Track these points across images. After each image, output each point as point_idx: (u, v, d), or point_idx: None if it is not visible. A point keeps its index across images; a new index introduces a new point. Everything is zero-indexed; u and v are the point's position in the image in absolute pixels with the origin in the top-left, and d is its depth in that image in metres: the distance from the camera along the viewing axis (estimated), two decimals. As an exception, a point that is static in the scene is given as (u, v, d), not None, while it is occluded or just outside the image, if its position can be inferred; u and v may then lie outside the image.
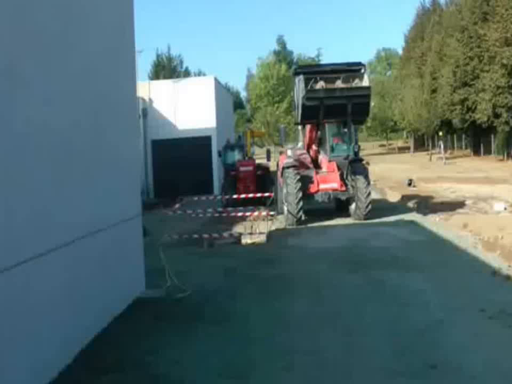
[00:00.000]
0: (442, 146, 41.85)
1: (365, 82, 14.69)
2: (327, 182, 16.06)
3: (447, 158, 40.85)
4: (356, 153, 16.14)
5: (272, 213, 15.03)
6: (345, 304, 7.71)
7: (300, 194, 15.19)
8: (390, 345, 6.02)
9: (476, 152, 43.35)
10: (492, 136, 38.80)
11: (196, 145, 27.55)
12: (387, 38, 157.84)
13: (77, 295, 6.09)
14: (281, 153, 19.37)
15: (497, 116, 33.87)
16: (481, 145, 41.67)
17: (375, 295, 8.10)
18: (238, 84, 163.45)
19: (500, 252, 10.30)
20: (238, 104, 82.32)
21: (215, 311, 7.66)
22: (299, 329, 6.76)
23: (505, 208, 15.06)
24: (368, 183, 15.52)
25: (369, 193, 15.39)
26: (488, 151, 40.33)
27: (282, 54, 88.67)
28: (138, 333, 6.78)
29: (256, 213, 15.33)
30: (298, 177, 15.39)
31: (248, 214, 15.41)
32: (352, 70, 15.15)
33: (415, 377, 5.22)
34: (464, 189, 20.76)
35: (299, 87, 14.75)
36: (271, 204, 16.45)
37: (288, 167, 15.90)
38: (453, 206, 16.75)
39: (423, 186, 23.59)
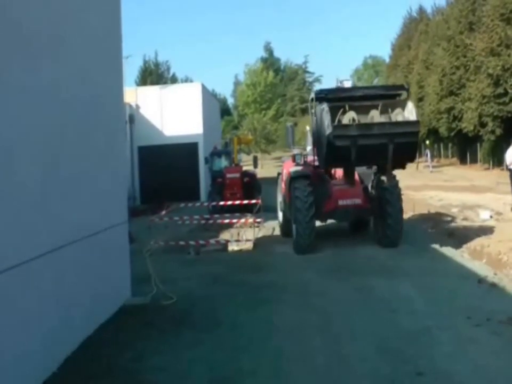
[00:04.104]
0: (429, 154, 42.09)
1: (410, 113, 11.31)
2: (348, 197, 12.60)
3: (433, 167, 41.10)
4: None
5: (259, 220, 14.78)
6: (333, 311, 7.70)
7: (312, 213, 12.01)
8: (378, 352, 6.02)
9: (462, 160, 43.61)
10: (478, 145, 39.09)
11: (183, 152, 27.49)
12: (374, 45, 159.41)
13: (62, 303, 6.02)
14: (283, 161, 16.41)
15: (483, 125, 34.12)
16: (468, 153, 41.96)
17: (364, 302, 8.11)
18: (225, 91, 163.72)
19: (486, 260, 10.38)
20: (225, 111, 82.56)
21: (202, 318, 7.62)
22: (287, 336, 6.73)
23: (491, 217, 15.14)
24: (400, 197, 12.39)
25: (401, 210, 12.30)
26: (474, 160, 40.58)
27: (270, 61, 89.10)
28: (124, 341, 6.71)
29: (243, 220, 15.25)
30: (310, 190, 12.11)
31: (235, 221, 15.32)
32: (389, 95, 12.10)
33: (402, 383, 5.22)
34: (450, 197, 20.86)
35: (322, 119, 11.27)
36: (258, 211, 16.11)
37: (297, 177, 12.57)
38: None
39: (410, 194, 23.69)
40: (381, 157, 11.19)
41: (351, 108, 11.31)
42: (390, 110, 11.39)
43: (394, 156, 11.01)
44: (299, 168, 13.27)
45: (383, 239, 12.34)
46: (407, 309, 7.59)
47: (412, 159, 11.83)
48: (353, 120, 11.17)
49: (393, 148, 10.86)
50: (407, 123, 11.20)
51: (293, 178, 12.59)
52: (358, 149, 10.87)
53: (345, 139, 10.86)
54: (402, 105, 11.48)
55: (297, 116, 75.97)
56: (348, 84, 13.37)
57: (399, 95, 12.13)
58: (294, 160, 13.76)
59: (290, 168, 13.58)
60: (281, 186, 14.82)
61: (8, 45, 5.03)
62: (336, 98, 11.76)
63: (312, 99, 12.66)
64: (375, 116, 11.32)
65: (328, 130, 10.96)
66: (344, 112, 11.29)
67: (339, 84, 13.48)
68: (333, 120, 11.00)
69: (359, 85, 78.02)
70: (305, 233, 12.01)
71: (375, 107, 11.37)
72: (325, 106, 11.29)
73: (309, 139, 14.72)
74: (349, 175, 12.48)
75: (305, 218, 11.95)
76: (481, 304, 7.54)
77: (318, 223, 12.76)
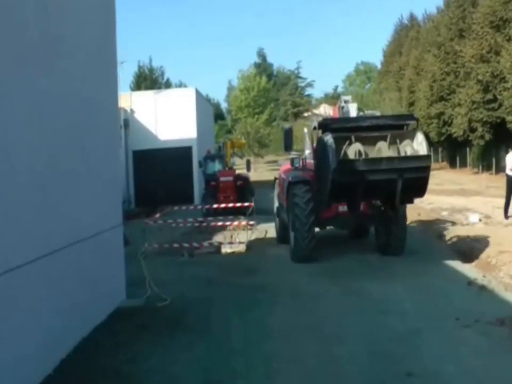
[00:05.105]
0: (419, 159, 42.29)
1: (420, 145, 10.34)
2: None
3: (424, 171, 41.32)
4: None
5: (251, 222, 14.83)
6: (325, 313, 7.80)
7: (312, 221, 11.32)
8: (369, 353, 6.13)
9: (452, 165, 43.96)
10: (468, 149, 39.44)
11: (177, 156, 27.58)
12: (366, 51, 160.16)
13: (57, 306, 6.06)
14: (280, 165, 15.34)
15: (472, 130, 34.46)
16: (457, 158, 42.31)
17: (354, 304, 8.22)
18: (219, 96, 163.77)
19: (475, 263, 10.55)
20: (219, 116, 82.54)
21: (196, 320, 7.69)
22: (280, 338, 6.81)
23: (480, 220, 15.34)
24: (405, 216, 11.91)
25: (404, 216, 11.78)
26: (463, 164, 40.93)
27: (263, 66, 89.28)
28: (119, 343, 6.76)
29: (236, 223, 15.35)
30: (309, 197, 11.34)
31: (228, 223, 15.43)
32: (397, 125, 11.08)
33: (392, 384, 5.33)
34: (440, 201, 21.03)
35: (326, 152, 10.23)
36: (251, 214, 16.19)
37: (296, 182, 11.81)
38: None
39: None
40: (388, 192, 10.43)
41: (357, 139, 10.32)
42: (398, 141, 10.45)
43: (403, 191, 10.19)
44: (298, 172, 12.44)
45: (385, 247, 11.82)
46: (398, 310, 7.71)
47: (421, 194, 10.91)
48: (360, 153, 10.15)
49: (402, 183, 10.04)
50: (418, 157, 10.25)
51: (292, 184, 11.85)
52: (364, 185, 10.03)
53: (351, 175, 9.92)
54: (411, 136, 10.55)
55: (290, 120, 76.09)
56: (352, 106, 12.65)
57: (408, 125, 11.21)
58: (292, 164, 12.92)
59: (288, 172, 12.89)
60: (278, 191, 14.15)
61: (9, 47, 5.12)
62: (341, 129, 10.74)
63: (314, 127, 11.92)
64: (383, 148, 10.34)
65: (332, 165, 9.96)
66: (350, 144, 10.30)
67: (343, 104, 12.80)
68: (337, 153, 10.06)
69: (351, 90, 78.63)
70: (304, 242, 11.33)
71: (383, 138, 10.45)
72: (329, 137, 10.19)
73: (307, 142, 13.65)
74: (353, 209, 11.21)
75: (305, 227, 11.25)
76: (471, 306, 7.70)
77: (315, 229, 12.18)
